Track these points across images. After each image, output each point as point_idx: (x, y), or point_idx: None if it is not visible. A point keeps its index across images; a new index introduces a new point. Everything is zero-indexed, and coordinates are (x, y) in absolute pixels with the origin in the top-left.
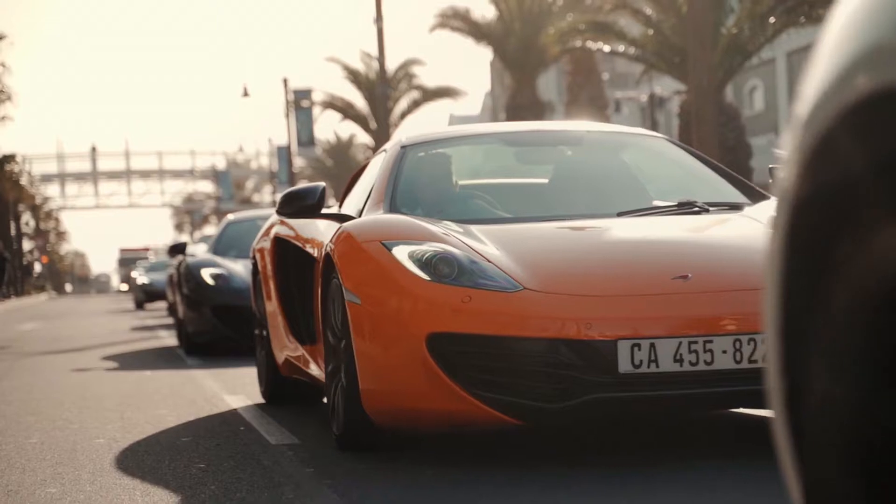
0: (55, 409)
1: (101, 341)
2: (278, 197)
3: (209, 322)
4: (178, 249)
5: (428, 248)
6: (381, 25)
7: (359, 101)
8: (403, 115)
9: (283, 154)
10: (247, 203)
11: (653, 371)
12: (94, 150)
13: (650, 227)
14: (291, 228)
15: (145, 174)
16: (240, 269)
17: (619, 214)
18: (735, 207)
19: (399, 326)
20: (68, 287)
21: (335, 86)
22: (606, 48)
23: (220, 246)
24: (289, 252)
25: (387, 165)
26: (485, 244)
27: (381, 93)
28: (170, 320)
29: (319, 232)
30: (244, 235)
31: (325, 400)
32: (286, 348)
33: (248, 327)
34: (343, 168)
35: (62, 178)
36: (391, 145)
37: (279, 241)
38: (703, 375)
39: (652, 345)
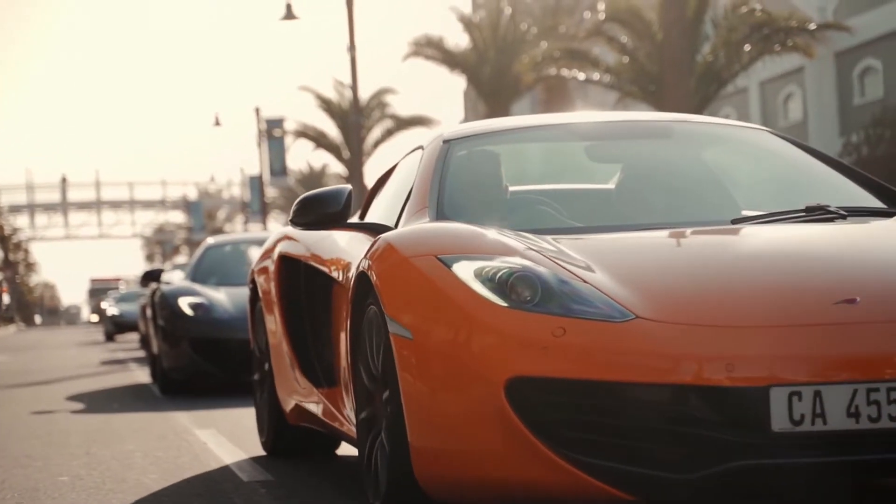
0: (18, 444)
1: (69, 374)
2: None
3: (187, 357)
4: (152, 277)
5: (500, 263)
6: (354, 54)
7: (332, 130)
8: (377, 144)
9: (256, 184)
10: (218, 233)
11: (819, 429)
12: (64, 180)
13: (789, 238)
14: (302, 244)
15: (116, 204)
16: (222, 297)
17: (734, 222)
18: (881, 214)
19: (467, 369)
20: (38, 319)
21: (308, 115)
22: (581, 76)
23: (199, 272)
24: (299, 274)
25: (428, 164)
26: (575, 259)
27: (355, 121)
28: (141, 353)
29: (341, 247)
30: (225, 261)
31: (339, 451)
32: (296, 392)
33: (232, 362)
34: None
35: (31, 208)
36: (430, 140)
37: (286, 262)
38: (890, 436)
39: (817, 393)
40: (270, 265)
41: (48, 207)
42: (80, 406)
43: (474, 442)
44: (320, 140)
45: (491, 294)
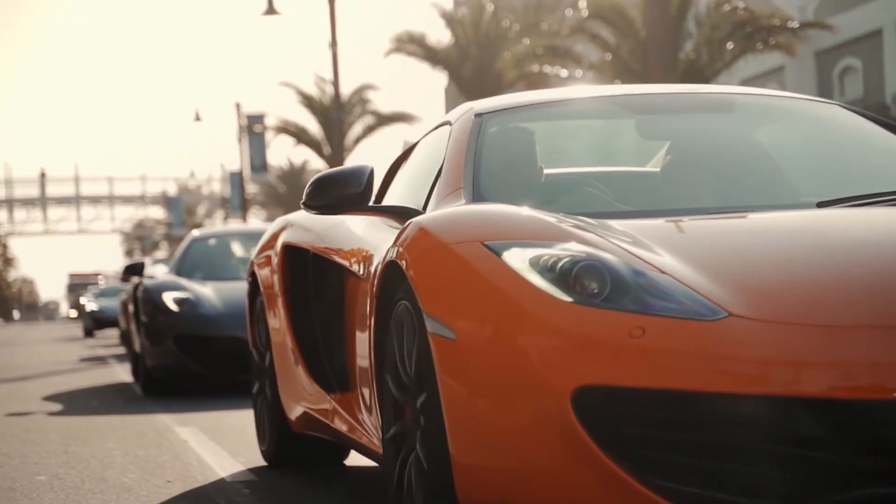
0: None
1: (47, 370)
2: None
3: (172, 355)
4: (134, 270)
5: (560, 251)
6: (336, 50)
7: (312, 126)
8: (357, 140)
9: (236, 180)
10: (198, 229)
11: None
12: (42, 175)
13: (888, 224)
14: (310, 232)
15: (95, 200)
16: (208, 292)
17: (820, 205)
18: None
19: (525, 375)
20: (16, 314)
21: (289, 111)
22: (564, 73)
23: (184, 266)
24: (306, 266)
25: (459, 140)
26: (646, 246)
27: (337, 118)
28: (121, 349)
29: (359, 235)
30: (211, 254)
31: (344, 461)
32: (303, 396)
33: (219, 361)
34: (296, 195)
35: (10, 203)
36: (458, 114)
37: (291, 252)
38: None
39: None
40: (273, 256)
41: (27, 202)
42: (58, 403)
43: (532, 460)
44: (301, 136)
45: (551, 287)
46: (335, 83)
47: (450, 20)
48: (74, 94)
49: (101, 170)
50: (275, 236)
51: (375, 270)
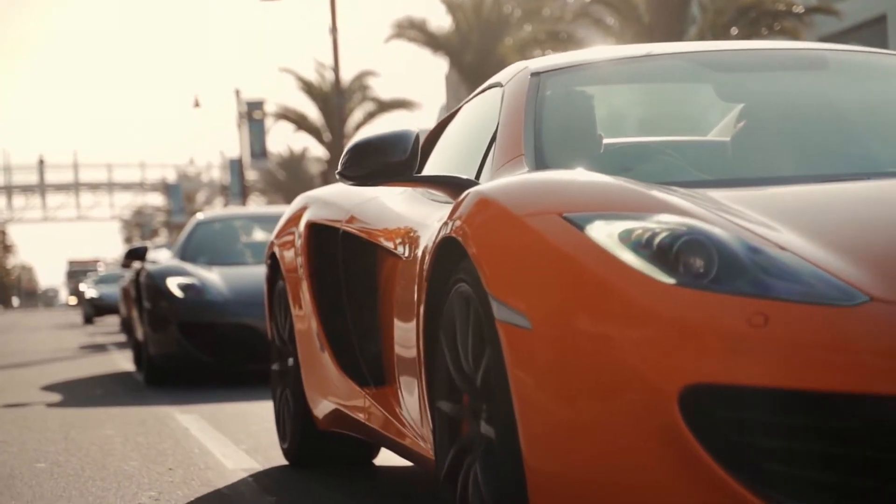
0: None
1: (47, 357)
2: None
3: (176, 342)
4: (136, 255)
5: (656, 223)
6: (336, 36)
7: (312, 112)
8: (358, 127)
9: (235, 167)
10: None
11: None
12: (41, 161)
13: None
14: (339, 208)
15: (94, 186)
16: (214, 278)
17: None
18: None
19: (620, 372)
20: (15, 301)
21: (289, 97)
22: None
23: (189, 251)
24: (335, 246)
25: (515, 102)
26: (756, 218)
27: (337, 104)
28: (122, 337)
29: (397, 210)
30: (217, 238)
31: (374, 461)
32: (331, 391)
33: (225, 350)
34: (296, 181)
35: (9, 190)
36: (510, 74)
37: (318, 231)
38: None
39: None
40: (297, 236)
41: (25, 189)
42: (57, 390)
43: (626, 472)
44: (301, 122)
45: (648, 266)
46: (335, 69)
47: (451, 6)
48: (73, 81)
49: (100, 156)
50: (297, 215)
51: (425, 249)
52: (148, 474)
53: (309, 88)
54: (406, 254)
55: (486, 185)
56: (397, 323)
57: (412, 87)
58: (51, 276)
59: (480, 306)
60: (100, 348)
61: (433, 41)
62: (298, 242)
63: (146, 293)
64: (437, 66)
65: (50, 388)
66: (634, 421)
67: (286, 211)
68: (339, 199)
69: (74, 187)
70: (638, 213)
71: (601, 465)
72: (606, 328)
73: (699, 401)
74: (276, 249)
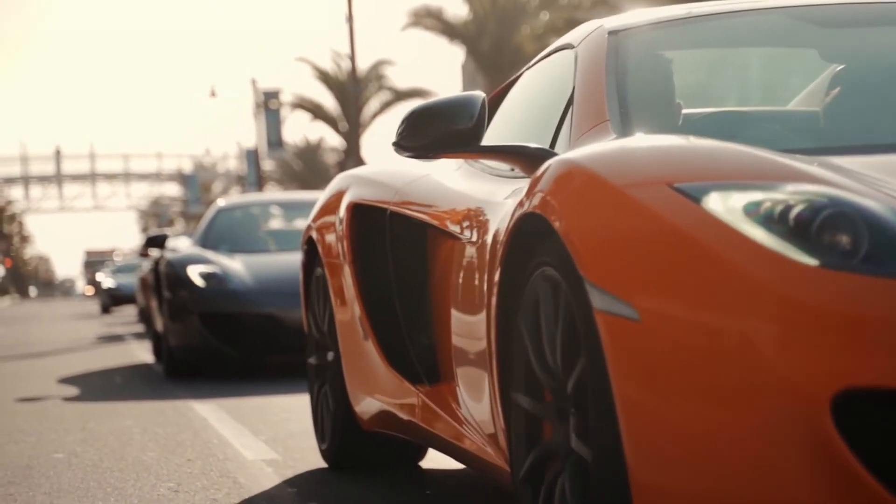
0: (11, 418)
1: (65, 347)
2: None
3: (197, 334)
4: (155, 242)
5: (789, 194)
6: (353, 25)
7: (329, 102)
8: (374, 116)
9: (252, 157)
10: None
11: None
12: (58, 152)
13: None
14: (386, 187)
15: (111, 177)
16: (237, 266)
17: None
18: None
19: (755, 373)
20: (32, 291)
21: (305, 87)
22: None
23: (210, 238)
24: (382, 229)
25: (593, 63)
26: None
27: (353, 93)
28: (139, 327)
29: (454, 187)
30: (239, 226)
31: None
32: (378, 389)
33: (249, 341)
34: (312, 172)
35: (26, 180)
36: (583, 34)
37: (361, 213)
38: None
39: None
40: (338, 218)
41: (42, 179)
42: (75, 380)
43: (767, 491)
44: (317, 112)
45: (783, 244)
46: (352, 58)
47: None
48: (90, 72)
49: (116, 147)
50: (338, 195)
51: (496, 230)
52: (167, 465)
53: (325, 78)
54: (469, 236)
55: (573, 153)
56: (456, 313)
57: (428, 75)
58: (68, 266)
59: (572, 293)
60: (117, 338)
61: (449, 29)
62: (340, 226)
63: (166, 282)
64: (454, 55)
65: (68, 378)
66: (775, 432)
67: (324, 192)
68: (385, 177)
69: (91, 178)
70: (766, 181)
71: (731, 483)
72: (733, 320)
73: (856, 408)
74: (314, 234)
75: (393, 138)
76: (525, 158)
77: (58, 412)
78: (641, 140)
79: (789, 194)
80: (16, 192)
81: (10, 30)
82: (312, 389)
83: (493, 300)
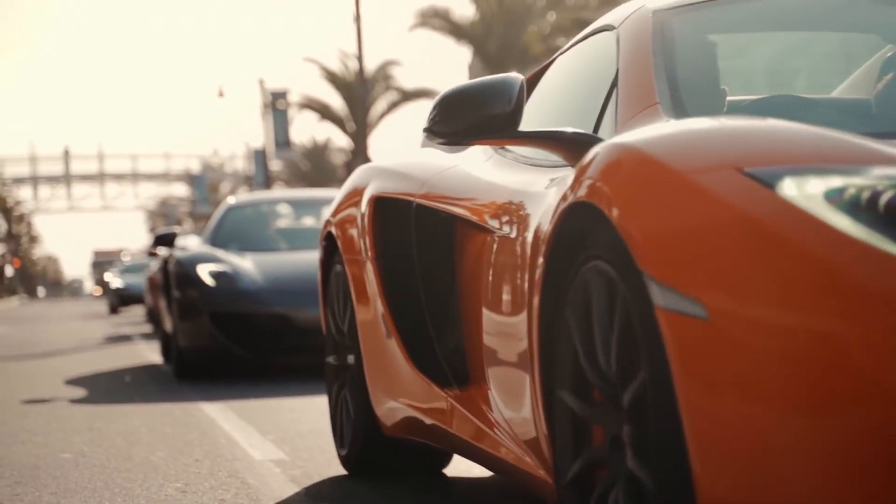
0: (18, 418)
1: (73, 346)
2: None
3: (207, 334)
4: (164, 240)
5: (876, 179)
6: (360, 25)
7: (336, 102)
8: (381, 117)
9: (259, 157)
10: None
11: None
12: (66, 152)
13: None
14: (411, 179)
15: (119, 177)
16: (248, 265)
17: None
18: None
19: (844, 380)
20: (41, 292)
21: (312, 87)
22: None
23: (220, 237)
24: (408, 223)
25: (638, 44)
26: None
27: (361, 93)
28: (147, 327)
29: (486, 178)
30: (249, 224)
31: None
32: (403, 392)
33: (260, 341)
34: (320, 172)
35: (34, 180)
36: (623, 14)
37: (385, 207)
38: None
39: None
40: (359, 212)
41: (51, 179)
42: (83, 380)
43: (853, 499)
44: (325, 112)
45: (874, 235)
46: (359, 58)
47: None
48: (98, 72)
49: (124, 147)
50: (359, 189)
51: (538, 222)
52: (174, 465)
53: (333, 78)
54: (504, 229)
55: (625, 136)
56: (488, 312)
57: (435, 76)
58: (76, 266)
59: (629, 290)
60: (125, 339)
61: (457, 30)
62: (361, 220)
63: (175, 281)
64: (460, 56)
65: (75, 378)
66: (869, 445)
67: (344, 185)
68: (410, 169)
69: (99, 178)
70: (847, 165)
71: (817, 497)
72: (816, 319)
73: None
74: (334, 229)
75: (423, 125)
76: (568, 145)
77: (65, 412)
78: (704, 122)
79: (876, 179)
80: (24, 193)
81: (18, 30)
82: (331, 392)
83: (536, 298)
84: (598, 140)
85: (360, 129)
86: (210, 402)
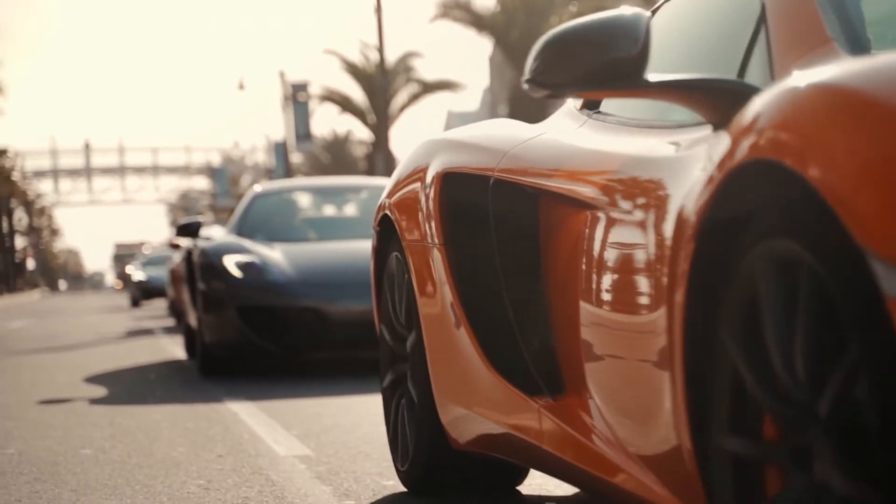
0: (38, 413)
1: (93, 340)
2: None
3: (235, 328)
4: (188, 230)
5: None
6: (381, 16)
7: (357, 94)
8: (402, 109)
9: (280, 149)
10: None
11: None
12: (87, 145)
13: None
14: (489, 151)
15: (139, 170)
16: (277, 256)
17: None
18: None
19: None
20: (62, 285)
21: (333, 79)
22: None
23: (246, 226)
24: (485, 203)
25: None
26: None
27: (381, 85)
28: (170, 321)
29: (591, 148)
30: (277, 213)
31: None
32: (478, 400)
33: (290, 336)
34: (341, 164)
35: (55, 173)
36: None
37: (457, 184)
38: None
39: None
40: (423, 190)
41: (72, 173)
42: (104, 373)
43: None
44: (345, 104)
45: None
46: (380, 50)
47: None
48: (119, 65)
49: (145, 140)
50: (423, 165)
51: (670, 194)
52: (196, 461)
53: (353, 70)
54: (619, 207)
55: (810, 77)
56: (589, 307)
57: (456, 68)
58: (97, 259)
59: (833, 274)
60: (147, 332)
61: (478, 21)
62: (427, 200)
63: (200, 273)
64: (481, 49)
65: (96, 372)
66: None
67: (404, 161)
68: (486, 140)
69: (120, 171)
70: None
71: None
72: None
73: None
74: (391, 212)
75: (527, 77)
76: (715, 95)
77: (85, 407)
78: None
79: None
80: (45, 186)
81: (39, 24)
82: (388, 400)
83: (680, 292)
84: (756, 89)
85: (380, 121)
86: (232, 397)
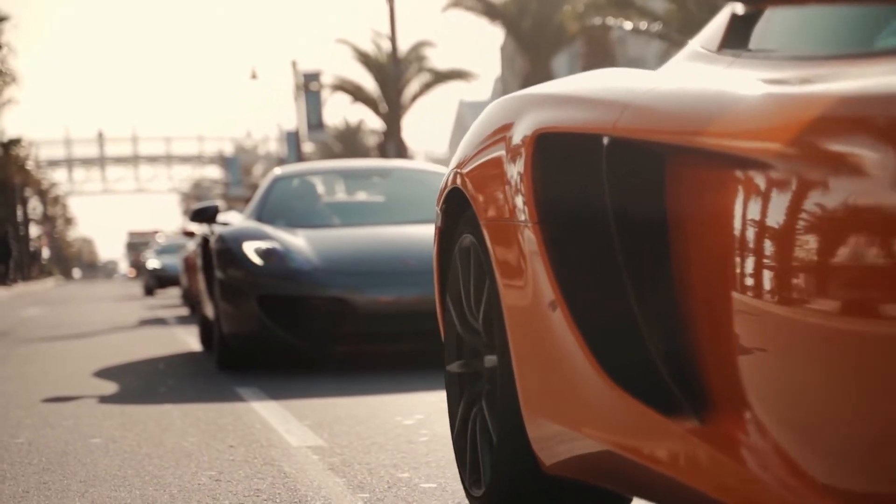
0: (48, 402)
1: (105, 329)
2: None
3: (255, 319)
4: (204, 215)
5: None
6: (393, 5)
7: (369, 83)
8: (414, 98)
9: (292, 139)
10: (255, 189)
11: None
12: (101, 135)
13: None
14: (604, 106)
15: (153, 159)
16: (300, 242)
17: None
18: None
19: None
20: (76, 273)
21: (345, 68)
22: (628, 25)
23: (266, 211)
24: (598, 171)
25: None
26: None
27: (393, 74)
28: (183, 310)
29: (745, 94)
30: (299, 197)
31: None
32: (581, 415)
33: (314, 328)
34: (353, 154)
35: (69, 163)
36: None
37: (558, 146)
38: None
39: None
40: (509, 158)
41: (86, 162)
42: (116, 361)
43: None
44: (357, 94)
45: None
46: (392, 39)
47: None
48: (132, 55)
49: (158, 130)
50: (508, 124)
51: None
52: (208, 451)
53: (365, 59)
54: (827, 164)
55: None
56: (744, 297)
57: (468, 57)
58: (111, 248)
59: None
60: (160, 321)
61: (490, 10)
62: (515, 167)
63: (218, 261)
64: (493, 38)
65: (108, 361)
66: None
67: (479, 120)
68: (595, 91)
69: (133, 160)
70: None
71: None
72: None
73: None
74: (466, 184)
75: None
76: None
77: (96, 397)
78: None
79: None
80: (59, 175)
81: (52, 14)
82: (454, 410)
83: None
84: None
85: (392, 110)
86: (244, 386)
